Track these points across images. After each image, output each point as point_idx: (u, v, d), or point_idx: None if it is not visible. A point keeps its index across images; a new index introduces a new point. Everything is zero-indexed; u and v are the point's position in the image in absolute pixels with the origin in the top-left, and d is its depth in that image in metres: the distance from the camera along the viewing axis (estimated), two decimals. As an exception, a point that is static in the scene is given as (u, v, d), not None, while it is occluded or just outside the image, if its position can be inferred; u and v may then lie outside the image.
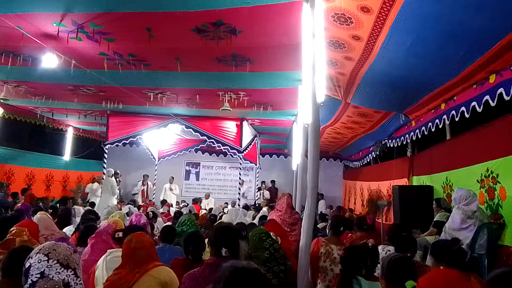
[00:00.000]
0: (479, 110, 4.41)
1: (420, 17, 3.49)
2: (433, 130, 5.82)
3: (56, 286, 1.46)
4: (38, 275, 1.48)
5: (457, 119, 4.99)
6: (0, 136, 10.02)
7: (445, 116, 5.34)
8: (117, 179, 11.90)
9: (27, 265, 1.53)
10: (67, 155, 12.97)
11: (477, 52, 3.77)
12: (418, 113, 6.30)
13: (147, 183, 13.49)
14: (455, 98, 5.04)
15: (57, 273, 1.51)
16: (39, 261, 1.52)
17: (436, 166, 6.53)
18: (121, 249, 2.78)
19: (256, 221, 6.28)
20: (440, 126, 5.64)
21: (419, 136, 6.41)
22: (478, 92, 4.42)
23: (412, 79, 4.97)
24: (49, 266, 1.51)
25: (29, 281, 1.47)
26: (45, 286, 1.45)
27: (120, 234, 3.25)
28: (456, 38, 3.62)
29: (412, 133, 6.71)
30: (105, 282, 2.62)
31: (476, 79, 4.38)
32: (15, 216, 4.09)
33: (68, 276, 1.53)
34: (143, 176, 13.52)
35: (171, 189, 13.46)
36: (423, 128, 6.11)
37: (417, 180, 7.37)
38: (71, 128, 12.94)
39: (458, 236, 4.27)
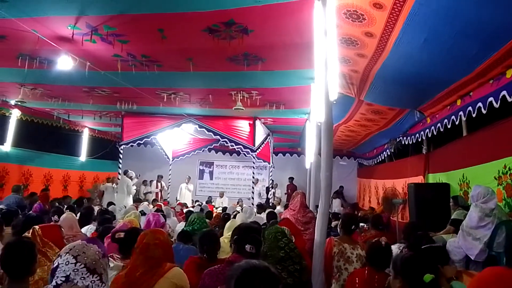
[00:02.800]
0: (496, 105, 4.32)
1: (433, 13, 3.43)
2: (449, 126, 5.72)
3: None
4: (63, 278, 1.48)
5: (473, 115, 4.89)
6: (18, 138, 10.22)
7: (461, 113, 5.24)
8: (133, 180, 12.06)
9: (55, 264, 1.54)
10: (83, 156, 13.20)
11: (493, 47, 3.69)
12: (434, 110, 6.21)
13: (162, 184, 13.62)
14: (471, 94, 4.94)
15: (82, 278, 1.50)
16: (67, 263, 1.52)
17: (452, 163, 6.42)
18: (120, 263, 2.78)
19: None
20: (457, 123, 5.54)
21: (435, 133, 6.31)
22: (494, 87, 4.33)
23: (427, 76, 4.89)
24: (75, 270, 1.50)
25: (54, 283, 1.47)
26: None
27: (121, 234, 3.12)
28: (471, 33, 3.55)
29: (427, 130, 6.61)
30: (119, 279, 2.61)
31: (492, 74, 4.29)
32: (39, 217, 4.16)
33: (92, 282, 1.52)
34: (158, 176, 13.65)
35: (187, 189, 13.57)
36: (439, 124, 6.01)
37: (433, 178, 7.26)
38: (87, 129, 13.17)
39: (476, 235, 4.22)
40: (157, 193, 13.44)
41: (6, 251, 2.18)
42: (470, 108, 4.92)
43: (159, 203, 9.95)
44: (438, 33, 3.71)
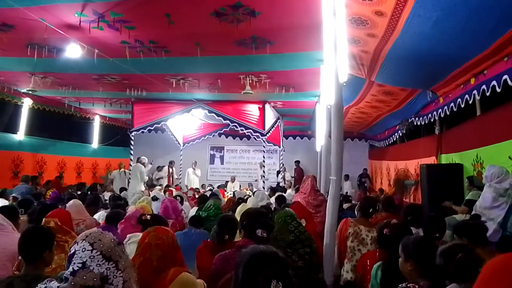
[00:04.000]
0: (510, 84, 4.21)
1: (446, -12, 3.33)
2: (462, 106, 5.61)
3: (95, 279, 1.48)
4: (80, 264, 1.50)
5: (487, 94, 4.78)
6: (31, 126, 10.37)
7: (475, 91, 5.12)
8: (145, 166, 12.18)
9: (72, 250, 1.56)
10: (95, 143, 13.37)
11: (508, 24, 3.57)
12: (446, 89, 6.08)
13: (173, 169, 13.74)
14: (485, 72, 4.82)
15: (98, 265, 1.52)
16: (83, 249, 1.54)
17: (465, 143, 6.33)
18: (140, 234, 2.77)
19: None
20: (470, 102, 5.43)
21: (448, 113, 6.20)
22: (509, 65, 4.20)
23: (439, 54, 4.78)
24: (91, 257, 1.53)
25: (71, 269, 1.50)
26: (84, 277, 1.47)
27: (148, 217, 3.30)
28: (485, 10, 3.44)
29: (440, 110, 6.49)
30: None
31: (507, 52, 4.16)
32: (54, 204, 4.24)
33: (108, 269, 1.54)
34: (170, 162, 13.75)
35: (195, 174, 13.67)
36: (452, 104, 5.90)
37: (445, 158, 7.18)
38: (98, 116, 13.29)
39: (490, 215, 4.18)
40: (168, 178, 13.58)
41: (23, 234, 2.28)
42: (484, 86, 4.81)
43: (171, 189, 10.06)
44: (451, 10, 3.59)
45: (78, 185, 9.58)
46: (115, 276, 1.54)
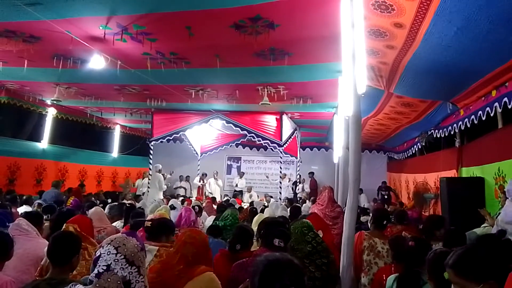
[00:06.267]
0: (534, 96, 4.15)
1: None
2: (483, 118, 5.53)
3: (118, 282, 1.52)
4: (105, 267, 1.56)
5: (509, 106, 4.71)
6: (54, 135, 10.66)
7: (496, 104, 5.05)
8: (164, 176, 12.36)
9: (97, 253, 1.63)
10: (115, 152, 13.61)
11: (531, 34, 3.53)
12: (467, 101, 6.00)
13: (204, 181, 13.85)
14: (507, 84, 4.75)
15: (122, 268, 1.58)
16: (108, 253, 1.60)
17: (487, 157, 6.20)
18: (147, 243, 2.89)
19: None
20: (492, 114, 5.35)
21: (468, 126, 6.11)
22: (532, 77, 4.15)
23: (460, 66, 4.73)
24: (116, 260, 1.58)
25: (96, 271, 1.56)
26: (109, 279, 1.51)
27: (149, 223, 3.42)
28: (506, 21, 3.41)
29: (460, 122, 6.40)
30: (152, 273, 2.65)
31: (530, 64, 4.11)
32: (71, 211, 4.35)
33: (130, 273, 1.59)
34: (202, 174, 13.85)
35: (217, 184, 13.75)
36: (473, 116, 5.81)
37: (466, 172, 7.04)
38: (119, 126, 13.56)
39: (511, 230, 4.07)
40: (199, 188, 13.67)
41: (54, 238, 2.36)
42: (505, 99, 4.74)
43: (190, 199, 10.16)
44: (471, 21, 3.57)
45: (110, 193, 9.73)
46: (137, 281, 1.58)
